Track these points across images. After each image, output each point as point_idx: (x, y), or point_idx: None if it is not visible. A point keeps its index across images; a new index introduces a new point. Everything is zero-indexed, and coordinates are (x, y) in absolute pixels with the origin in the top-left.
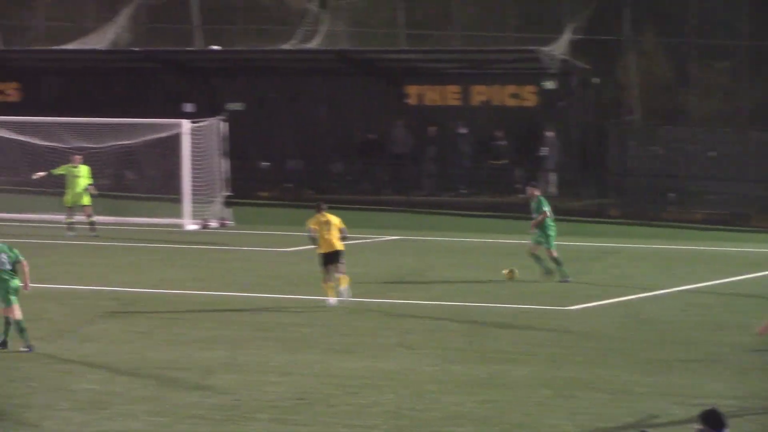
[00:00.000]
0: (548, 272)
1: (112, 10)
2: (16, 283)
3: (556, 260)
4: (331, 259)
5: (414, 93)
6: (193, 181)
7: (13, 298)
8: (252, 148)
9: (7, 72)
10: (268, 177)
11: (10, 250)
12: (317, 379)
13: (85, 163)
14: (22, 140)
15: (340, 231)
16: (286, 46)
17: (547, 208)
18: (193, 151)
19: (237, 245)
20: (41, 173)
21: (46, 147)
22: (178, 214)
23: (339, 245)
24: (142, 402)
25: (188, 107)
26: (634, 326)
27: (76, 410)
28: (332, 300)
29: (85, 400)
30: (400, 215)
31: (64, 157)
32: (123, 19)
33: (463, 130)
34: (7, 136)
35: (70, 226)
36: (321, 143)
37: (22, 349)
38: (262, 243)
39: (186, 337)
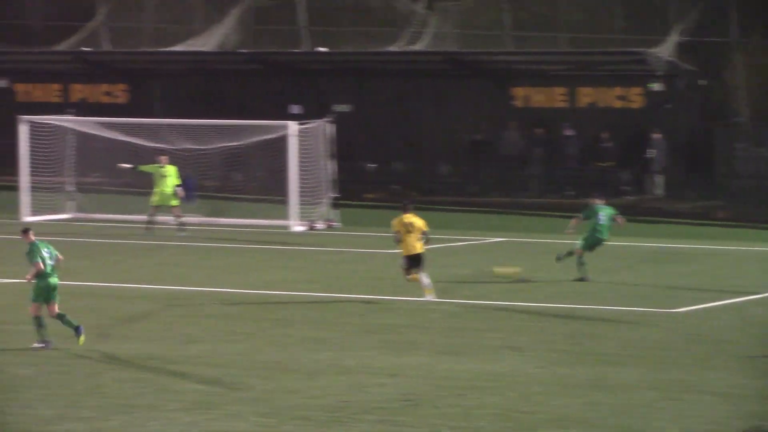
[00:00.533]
0: (559, 259)
1: (219, 12)
2: (56, 280)
3: (578, 258)
4: (413, 262)
5: (520, 95)
6: (300, 183)
7: (54, 294)
8: (358, 150)
9: (115, 74)
10: (375, 178)
11: (48, 246)
12: (424, 381)
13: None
14: (129, 142)
15: (423, 233)
16: (392, 48)
17: (587, 212)
18: (300, 153)
19: (343, 247)
20: (128, 165)
21: (154, 148)
22: (284, 215)
23: (419, 248)
24: (249, 403)
25: (295, 109)
26: (742, 329)
27: (183, 411)
28: (425, 280)
29: (192, 400)
30: (506, 217)
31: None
32: (230, 21)
33: (569, 132)
34: (115, 137)
35: (149, 226)
36: (427, 145)
37: (36, 345)
38: (368, 245)
39: (293, 338)
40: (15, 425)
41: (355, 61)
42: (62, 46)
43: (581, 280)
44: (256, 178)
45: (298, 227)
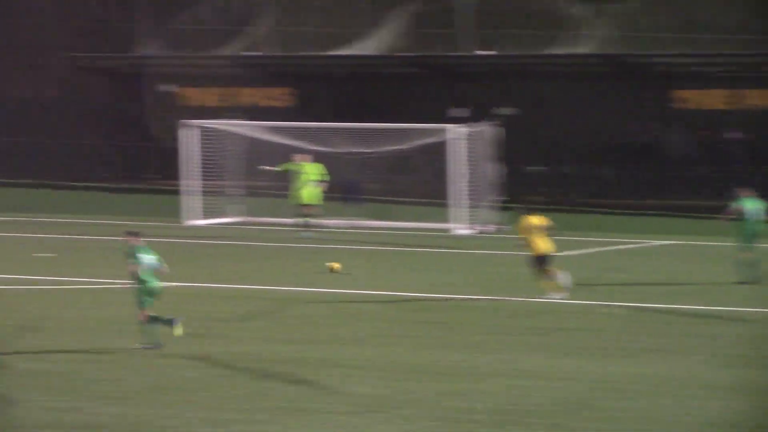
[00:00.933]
0: (745, 282)
1: (383, 16)
2: (155, 285)
3: (743, 261)
4: (542, 261)
5: (684, 97)
6: (466, 186)
7: (151, 300)
8: (523, 153)
9: (280, 77)
10: (541, 181)
11: (150, 252)
12: (591, 384)
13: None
14: (294, 145)
15: (548, 229)
16: (555, 51)
17: (734, 205)
18: (464, 156)
19: (509, 250)
20: (269, 167)
21: (318, 152)
22: (450, 218)
23: (549, 247)
24: (417, 405)
25: (458, 112)
26: None
27: (353, 414)
28: (556, 295)
29: (362, 403)
30: (670, 219)
31: (331, 162)
32: (393, 24)
33: (733, 134)
34: (280, 141)
35: (306, 227)
36: (591, 147)
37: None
38: None
39: (458, 341)
40: (188, 428)
41: (517, 63)
42: (227, 51)
43: (751, 282)
44: (419, 182)
45: (462, 230)
